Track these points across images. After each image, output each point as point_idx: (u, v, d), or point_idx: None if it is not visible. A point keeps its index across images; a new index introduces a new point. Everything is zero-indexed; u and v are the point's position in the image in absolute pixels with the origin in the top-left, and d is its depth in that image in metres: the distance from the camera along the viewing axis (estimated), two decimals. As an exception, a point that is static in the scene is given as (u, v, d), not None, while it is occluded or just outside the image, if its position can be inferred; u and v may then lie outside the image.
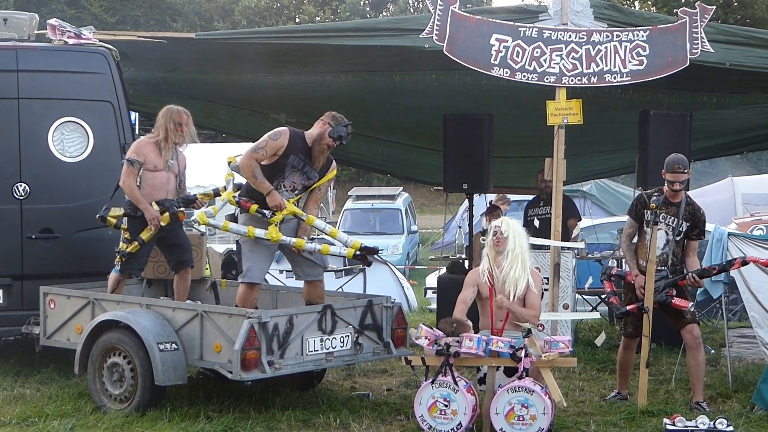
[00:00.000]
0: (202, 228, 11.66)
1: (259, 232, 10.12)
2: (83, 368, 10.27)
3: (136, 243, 10.74)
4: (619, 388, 11.03)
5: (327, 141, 10.17)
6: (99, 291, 10.94)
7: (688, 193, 10.82)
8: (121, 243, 10.88)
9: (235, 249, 14.09)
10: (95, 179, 11.80)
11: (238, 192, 10.43)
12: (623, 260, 14.06)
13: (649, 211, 10.49)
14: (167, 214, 10.74)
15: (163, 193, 10.81)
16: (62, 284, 11.16)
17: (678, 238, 10.56)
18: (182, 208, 10.92)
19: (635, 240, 10.86)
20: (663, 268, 10.53)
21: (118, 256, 10.80)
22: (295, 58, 12.85)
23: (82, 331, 10.42)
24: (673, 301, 10.44)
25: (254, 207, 10.14)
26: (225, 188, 10.76)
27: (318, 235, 11.24)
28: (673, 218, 10.52)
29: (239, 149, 10.66)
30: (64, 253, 11.72)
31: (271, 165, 10.12)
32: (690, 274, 10.50)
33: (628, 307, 10.63)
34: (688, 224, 10.55)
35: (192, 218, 10.24)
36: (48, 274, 11.54)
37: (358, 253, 10.41)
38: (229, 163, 10.51)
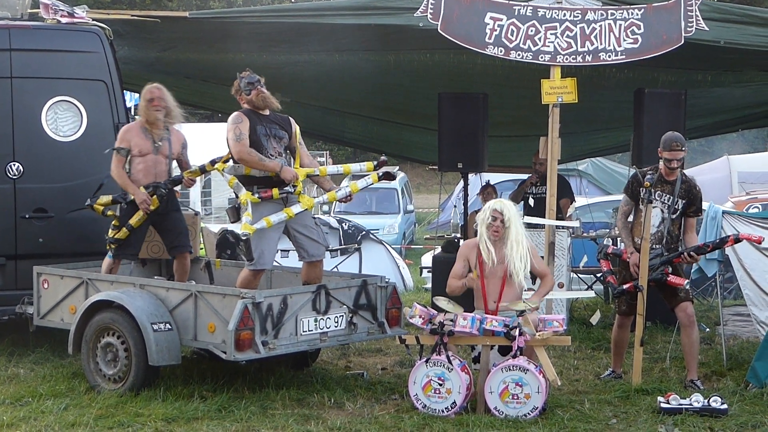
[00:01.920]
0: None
1: (295, 208, 10.17)
2: (77, 348, 10.27)
3: (125, 229, 10.74)
4: (613, 366, 11.04)
5: (253, 97, 10.26)
6: (93, 271, 10.93)
7: (684, 170, 10.80)
8: (110, 230, 10.87)
9: (228, 229, 14.12)
10: (89, 158, 11.79)
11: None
12: (619, 239, 14.10)
13: (643, 189, 10.48)
14: (156, 197, 10.73)
15: (152, 177, 10.82)
16: (56, 264, 11.15)
17: (674, 216, 10.55)
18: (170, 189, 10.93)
19: (631, 218, 10.84)
20: (658, 246, 10.52)
21: (107, 243, 10.81)
22: (289, 37, 12.81)
23: (76, 311, 10.40)
24: (668, 278, 10.44)
25: (275, 191, 10.10)
26: (212, 162, 10.82)
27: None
28: (668, 196, 10.51)
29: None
30: (58, 232, 11.72)
31: (250, 145, 10.11)
32: (685, 251, 10.50)
33: (625, 286, 10.62)
34: (684, 201, 10.53)
35: (242, 233, 10.08)
36: (42, 254, 11.56)
37: (379, 172, 10.49)
38: (222, 171, 10.43)
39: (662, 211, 10.53)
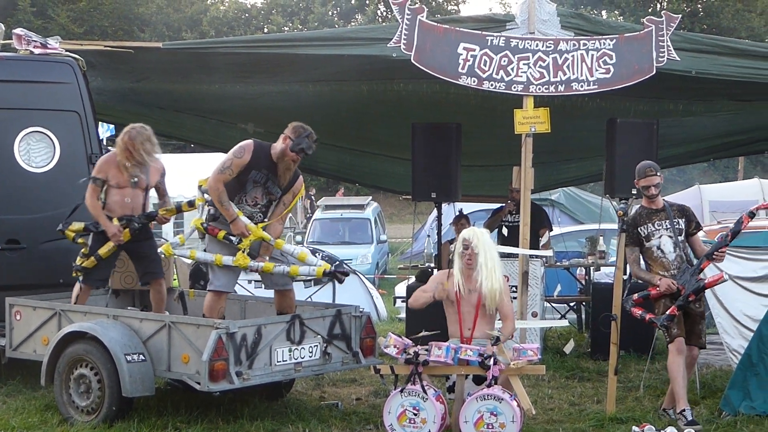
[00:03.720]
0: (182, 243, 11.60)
1: (227, 260, 10.16)
2: (50, 380, 10.21)
3: (93, 258, 10.72)
4: (681, 404, 10.32)
5: (290, 156, 10.15)
6: (65, 302, 10.87)
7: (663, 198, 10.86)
8: (78, 257, 10.84)
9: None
10: (62, 190, 11.75)
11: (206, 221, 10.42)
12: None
13: (642, 227, 10.50)
14: (128, 230, 10.72)
15: (128, 210, 10.79)
16: (28, 295, 11.09)
17: (682, 237, 10.48)
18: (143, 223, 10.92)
19: (642, 262, 10.76)
20: (684, 265, 10.38)
21: (74, 271, 10.78)
22: (263, 68, 12.82)
23: (49, 343, 10.35)
24: (705, 283, 10.26)
25: (222, 233, 10.15)
26: (190, 203, 10.90)
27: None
28: (667, 221, 10.48)
29: (207, 160, 10.66)
30: (31, 264, 11.66)
31: (233, 180, 10.10)
32: (710, 252, 10.27)
33: (668, 312, 10.32)
34: (683, 220, 10.52)
35: (159, 251, 10.25)
36: (14, 285, 11.48)
37: (328, 271, 10.39)
38: (200, 186, 10.47)
39: (671, 237, 10.47)
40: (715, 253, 10.30)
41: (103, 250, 10.70)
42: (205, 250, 10.42)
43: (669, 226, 10.48)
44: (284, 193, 10.40)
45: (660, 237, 10.44)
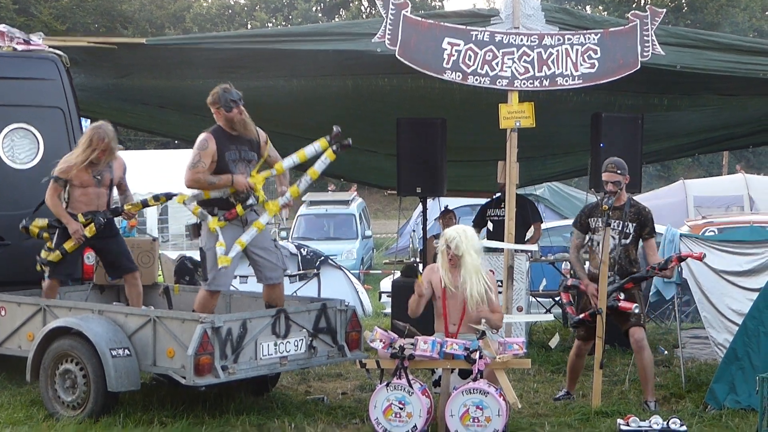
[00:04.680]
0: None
1: (263, 219, 10.12)
2: (35, 375, 10.19)
3: (58, 252, 10.73)
4: (567, 387, 11.20)
5: (233, 116, 10.10)
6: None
7: (632, 195, 10.92)
8: (42, 251, 10.84)
9: (187, 255, 14.08)
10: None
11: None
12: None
13: (593, 219, 10.60)
14: (92, 225, 10.72)
15: (93, 207, 10.84)
16: (13, 291, 11.06)
17: (627, 241, 10.64)
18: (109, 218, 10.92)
19: (582, 251, 10.99)
20: (610, 273, 10.57)
21: (39, 264, 10.77)
22: (246, 63, 12.80)
23: (34, 338, 10.34)
24: (620, 304, 10.52)
25: (239, 208, 10.04)
26: (155, 197, 11.07)
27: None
28: (618, 221, 10.59)
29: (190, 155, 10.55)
30: (15, 260, 11.59)
31: (216, 172, 10.03)
32: (630, 279, 10.58)
33: (581, 315, 10.72)
34: (634, 225, 10.63)
35: (220, 267, 10.04)
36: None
37: (334, 147, 10.33)
38: (184, 202, 10.34)
39: (613, 237, 10.60)
40: (635, 280, 10.69)
41: (68, 245, 10.72)
42: (201, 248, 10.27)
43: (616, 227, 10.57)
44: (258, 150, 10.31)
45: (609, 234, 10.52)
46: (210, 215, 10.02)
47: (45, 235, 10.90)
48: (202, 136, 10.12)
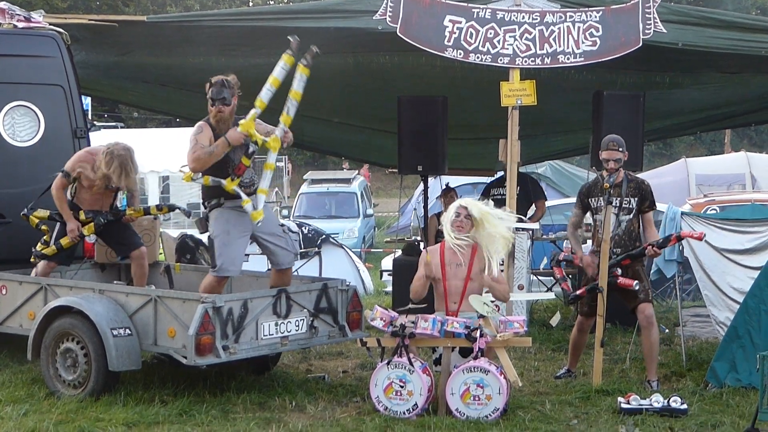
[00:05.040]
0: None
1: (270, 158, 10.01)
2: (36, 354, 10.19)
3: (54, 247, 10.78)
4: (569, 365, 11.17)
5: (224, 110, 10.04)
6: (51, 276, 10.87)
7: (628, 171, 10.91)
8: (39, 243, 10.86)
9: (188, 234, 14.07)
10: (46, 164, 11.69)
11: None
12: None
13: (593, 199, 10.59)
14: (92, 224, 10.78)
15: (97, 206, 10.93)
16: (14, 270, 11.07)
17: (630, 216, 10.62)
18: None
19: (581, 229, 11.01)
20: (618, 249, 10.58)
21: (33, 257, 10.78)
22: (247, 41, 12.77)
23: (35, 317, 10.33)
24: (619, 281, 10.50)
25: (245, 159, 9.96)
26: (158, 207, 11.24)
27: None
28: (617, 198, 10.58)
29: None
30: (16, 238, 11.59)
31: (217, 162, 9.98)
32: (627, 255, 10.56)
33: (578, 292, 10.72)
34: (636, 199, 10.62)
35: (256, 222, 9.97)
36: (0, 260, 11.43)
37: (304, 62, 10.17)
38: (192, 179, 10.28)
39: (616, 215, 10.59)
40: (632, 257, 10.63)
41: (65, 241, 10.76)
42: (209, 236, 10.23)
43: (617, 204, 10.56)
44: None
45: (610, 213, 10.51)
46: (222, 180, 9.96)
47: (44, 227, 10.92)
48: (197, 124, 10.12)
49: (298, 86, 10.15)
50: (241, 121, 9.95)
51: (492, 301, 9.81)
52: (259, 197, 9.99)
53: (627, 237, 10.65)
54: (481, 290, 10.01)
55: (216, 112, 10.04)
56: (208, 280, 10.14)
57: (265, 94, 10.10)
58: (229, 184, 9.93)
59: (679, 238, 10.76)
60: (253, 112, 10.01)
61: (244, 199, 9.88)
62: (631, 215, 10.65)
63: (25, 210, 10.97)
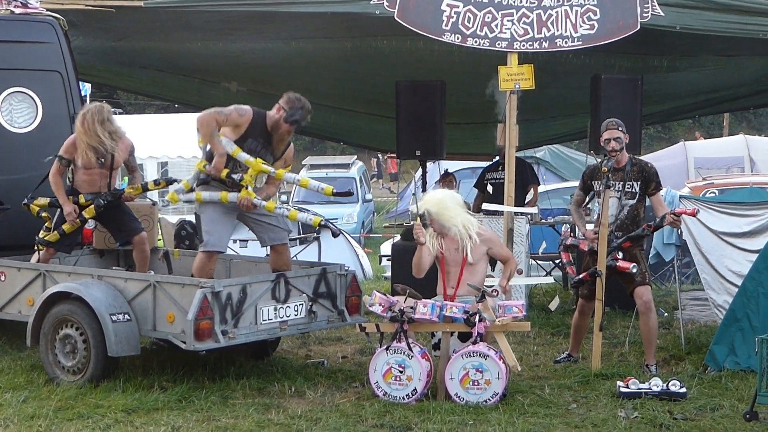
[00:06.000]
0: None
1: (232, 195, 10.04)
2: (35, 340, 10.19)
3: (57, 233, 10.76)
4: (570, 350, 11.13)
5: (284, 128, 10.09)
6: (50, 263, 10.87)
7: (633, 155, 10.89)
8: (41, 231, 10.85)
9: (186, 219, 14.08)
10: (44, 150, 11.66)
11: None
12: (575, 227, 14.17)
13: (596, 182, 10.57)
14: (92, 207, 10.75)
15: (96, 188, 10.86)
16: (13, 256, 11.06)
17: (632, 201, 10.59)
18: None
19: (583, 207, 11.07)
20: (619, 233, 10.56)
21: (36, 244, 10.78)
22: (245, 26, 12.75)
23: (34, 303, 10.33)
24: (618, 264, 10.50)
25: (225, 171, 10.04)
26: (156, 182, 11.14)
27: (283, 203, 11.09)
28: (620, 183, 10.55)
29: (191, 120, 10.58)
30: (15, 225, 11.58)
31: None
32: (626, 238, 10.54)
33: (581, 276, 10.71)
34: (639, 183, 10.59)
35: (164, 198, 10.17)
36: (-1, 246, 11.45)
37: (323, 222, 10.36)
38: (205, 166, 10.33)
39: (619, 199, 10.58)
40: (631, 240, 10.61)
41: (66, 226, 10.74)
42: (196, 212, 10.32)
43: (620, 188, 10.54)
44: (276, 160, 10.33)
45: (609, 197, 10.48)
46: (208, 164, 10.07)
47: (44, 215, 10.91)
48: (245, 107, 10.15)
49: (301, 218, 10.57)
50: (257, 160, 10.05)
51: (490, 287, 9.83)
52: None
53: (630, 221, 10.63)
54: (482, 274, 10.01)
55: (286, 131, 10.18)
56: (198, 257, 10.21)
57: (289, 176, 10.47)
58: (198, 165, 10.16)
59: (674, 216, 10.73)
60: (268, 168, 10.15)
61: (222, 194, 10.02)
62: (635, 200, 10.60)
63: (26, 200, 10.96)
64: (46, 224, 10.88)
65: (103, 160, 10.75)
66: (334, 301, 10.46)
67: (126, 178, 11.51)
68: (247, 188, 10.01)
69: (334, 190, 10.44)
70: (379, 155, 40.96)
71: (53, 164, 10.77)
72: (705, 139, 30.06)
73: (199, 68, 14.84)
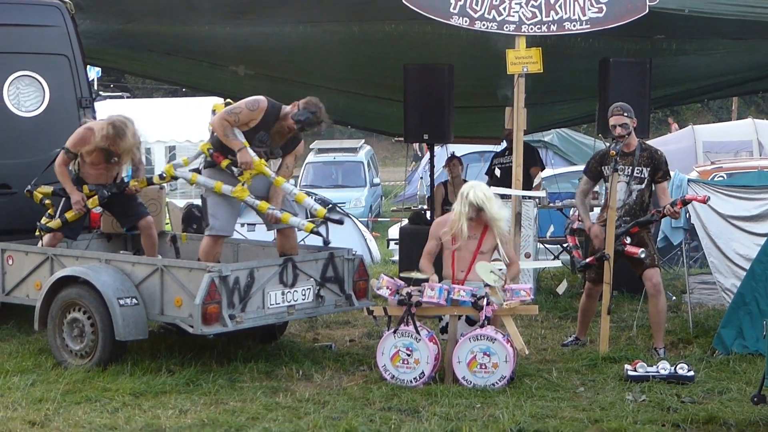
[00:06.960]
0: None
1: (226, 188, 10.03)
2: (43, 324, 10.19)
3: (59, 221, 10.77)
4: (578, 333, 11.14)
5: (288, 122, 10.05)
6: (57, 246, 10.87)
7: (642, 140, 10.86)
8: (44, 217, 10.86)
9: (195, 203, 14.08)
10: (51, 133, 11.70)
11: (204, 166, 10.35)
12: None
13: (606, 167, 10.54)
14: (96, 197, 10.75)
15: (102, 180, 10.87)
16: (21, 240, 11.07)
17: (642, 186, 10.57)
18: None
19: (589, 197, 11.03)
20: (627, 218, 10.54)
21: (38, 230, 10.78)
22: (253, 9, 12.73)
23: (42, 287, 10.33)
24: (626, 249, 10.47)
25: (226, 162, 10.03)
26: (161, 176, 10.97)
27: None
28: (629, 167, 10.53)
29: (199, 103, 10.58)
30: (22, 208, 11.58)
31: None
32: (635, 223, 10.52)
33: (587, 260, 10.69)
34: (648, 169, 10.56)
35: (161, 172, 10.18)
36: (6, 230, 11.44)
37: (315, 229, 10.31)
38: (213, 111, 10.35)
39: (627, 184, 10.55)
40: (640, 225, 10.58)
41: (70, 214, 10.75)
42: (202, 196, 10.32)
43: (629, 173, 10.51)
44: (287, 153, 10.32)
45: (618, 182, 10.46)
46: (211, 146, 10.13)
47: (47, 202, 10.91)
48: (259, 99, 10.11)
49: (294, 222, 10.36)
50: (261, 163, 10.02)
51: (499, 270, 9.81)
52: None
53: (638, 206, 10.61)
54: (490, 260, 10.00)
55: (288, 126, 10.12)
56: (204, 241, 10.21)
57: (287, 186, 10.41)
58: (202, 147, 10.19)
59: (685, 202, 10.71)
60: (269, 172, 10.13)
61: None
62: (643, 185, 10.58)
63: (29, 186, 10.96)
64: (48, 211, 10.87)
65: (113, 159, 10.77)
66: (342, 286, 10.45)
67: (130, 169, 11.48)
68: (243, 185, 10.01)
69: (326, 215, 10.49)
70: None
71: (59, 155, 10.74)
72: (682, 128, 29.99)
73: (206, 52, 14.81)
